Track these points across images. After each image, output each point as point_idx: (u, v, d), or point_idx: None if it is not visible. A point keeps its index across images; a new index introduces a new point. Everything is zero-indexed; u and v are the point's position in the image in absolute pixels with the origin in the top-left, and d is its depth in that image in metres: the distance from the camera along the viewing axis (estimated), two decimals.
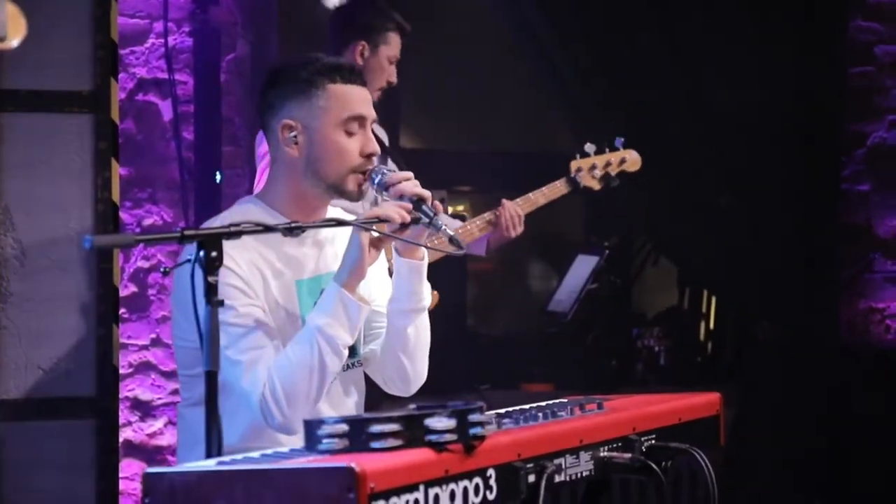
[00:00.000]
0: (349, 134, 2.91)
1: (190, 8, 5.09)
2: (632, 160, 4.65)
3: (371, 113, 2.96)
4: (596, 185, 4.61)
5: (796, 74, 5.69)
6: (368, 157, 2.92)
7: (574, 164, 4.57)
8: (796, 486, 5.49)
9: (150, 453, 5.05)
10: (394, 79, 4.42)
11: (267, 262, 2.89)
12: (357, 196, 2.95)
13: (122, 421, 4.62)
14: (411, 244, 2.90)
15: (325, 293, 2.84)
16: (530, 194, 4.50)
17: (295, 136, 2.91)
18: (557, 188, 4.54)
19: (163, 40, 5.03)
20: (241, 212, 2.94)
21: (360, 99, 2.94)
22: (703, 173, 5.72)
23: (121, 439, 4.48)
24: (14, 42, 1.93)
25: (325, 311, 2.80)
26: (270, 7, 5.40)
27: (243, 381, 2.78)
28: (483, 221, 4.46)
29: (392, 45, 4.38)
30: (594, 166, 4.59)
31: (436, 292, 4.39)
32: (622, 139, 4.64)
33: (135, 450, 5.03)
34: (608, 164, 4.61)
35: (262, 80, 3.03)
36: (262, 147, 4.13)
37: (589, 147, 4.58)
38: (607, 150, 4.62)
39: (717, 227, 5.75)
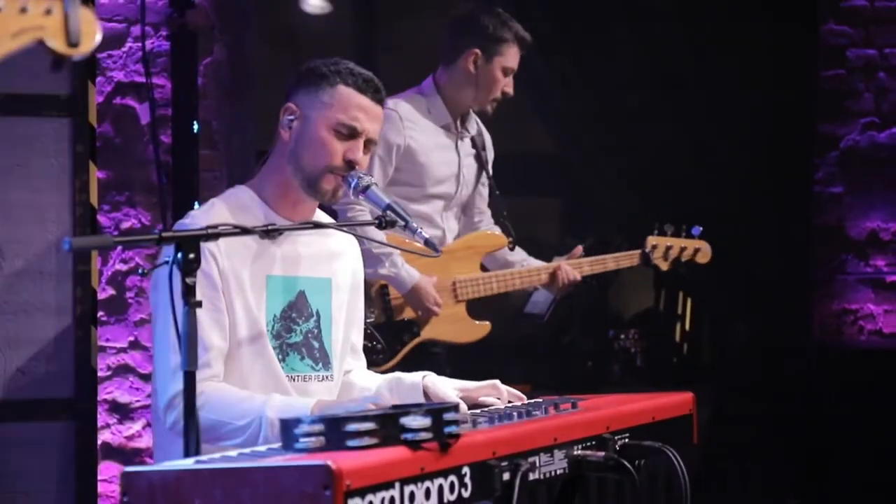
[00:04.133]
0: (338, 136, 2.94)
1: (167, 12, 5.09)
2: (703, 252, 4.70)
3: (371, 132, 2.96)
4: (664, 267, 4.66)
5: (769, 78, 5.73)
6: (350, 163, 2.95)
7: (651, 240, 4.62)
8: (771, 485, 5.53)
9: (129, 456, 5.05)
10: (510, 90, 4.38)
11: (247, 248, 2.93)
12: (330, 197, 2.98)
13: (100, 423, 4.62)
14: (388, 247, 2.93)
15: (300, 402, 2.82)
16: (601, 257, 4.55)
17: (291, 121, 2.97)
18: (630, 258, 4.59)
19: (140, 44, 5.03)
20: (232, 197, 3.02)
21: (365, 112, 2.95)
22: (679, 176, 5.75)
23: (99, 442, 4.47)
24: (88, 49, 1.78)
25: (289, 410, 2.76)
26: (247, 11, 5.41)
27: (172, 375, 2.79)
28: (538, 277, 4.50)
29: (508, 57, 4.33)
30: (669, 248, 4.63)
31: (488, 322, 4.41)
32: (700, 228, 4.67)
33: (113, 452, 5.03)
34: (682, 249, 4.66)
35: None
36: None
37: (668, 227, 4.64)
38: (683, 234, 4.67)
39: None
